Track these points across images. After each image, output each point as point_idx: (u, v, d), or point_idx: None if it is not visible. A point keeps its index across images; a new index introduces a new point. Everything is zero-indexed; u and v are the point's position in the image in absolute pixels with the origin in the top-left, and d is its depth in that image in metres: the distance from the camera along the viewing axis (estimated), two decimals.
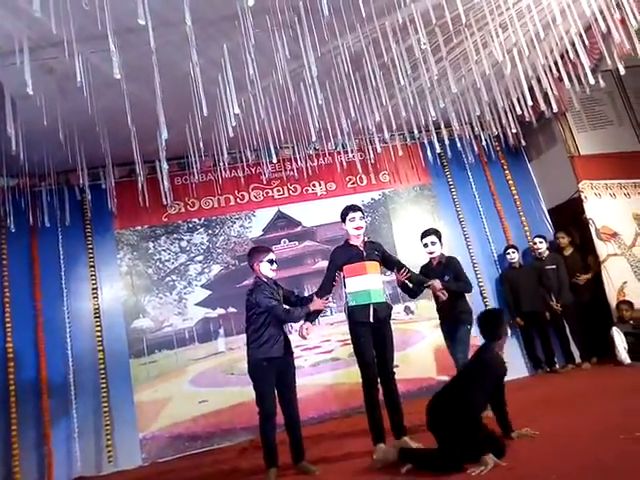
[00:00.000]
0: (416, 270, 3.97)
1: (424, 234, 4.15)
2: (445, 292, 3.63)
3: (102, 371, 5.05)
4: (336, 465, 3.25)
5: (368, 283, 3.43)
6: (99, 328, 5.18)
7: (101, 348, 5.12)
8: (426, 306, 5.79)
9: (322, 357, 5.04)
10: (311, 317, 3.44)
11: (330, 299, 3.52)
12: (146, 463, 4.84)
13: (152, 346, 5.30)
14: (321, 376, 5.15)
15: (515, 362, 5.43)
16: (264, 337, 3.33)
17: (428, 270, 4.05)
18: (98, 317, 5.22)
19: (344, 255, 3.56)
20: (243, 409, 4.74)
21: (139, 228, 5.66)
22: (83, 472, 4.73)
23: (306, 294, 3.83)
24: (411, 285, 3.70)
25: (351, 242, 3.59)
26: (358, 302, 3.42)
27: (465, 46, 4.24)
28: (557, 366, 5.42)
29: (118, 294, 5.43)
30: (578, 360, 5.42)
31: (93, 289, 5.31)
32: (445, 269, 4.08)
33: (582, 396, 3.04)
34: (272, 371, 3.31)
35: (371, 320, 3.36)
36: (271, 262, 3.48)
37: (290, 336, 3.50)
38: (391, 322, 3.51)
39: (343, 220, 3.62)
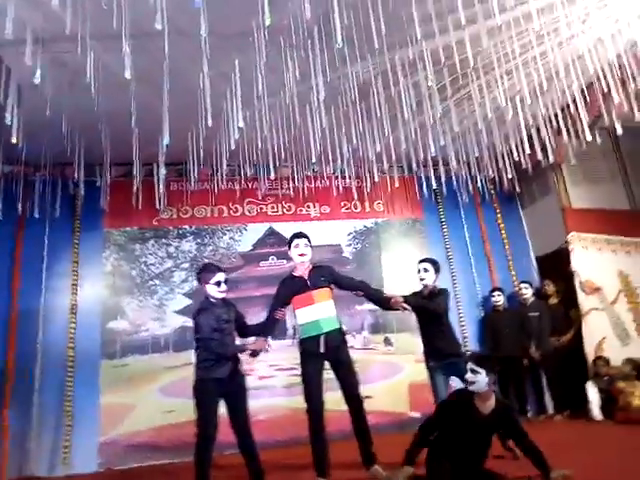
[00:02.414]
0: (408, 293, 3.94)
1: (420, 261, 4.04)
2: (407, 306, 3.51)
3: (70, 369, 4.92)
4: None
5: (317, 313, 3.39)
6: (73, 325, 5.09)
7: (72, 345, 5.01)
8: (406, 339, 5.78)
9: (296, 379, 4.95)
10: (253, 353, 3.36)
11: (269, 340, 3.48)
12: (101, 469, 4.68)
13: (126, 349, 5.20)
14: (293, 399, 5.06)
15: None
16: (210, 359, 3.24)
17: (418, 297, 3.97)
18: (74, 314, 5.13)
19: (287, 289, 3.53)
20: None
21: (128, 229, 5.62)
22: (34, 471, 4.56)
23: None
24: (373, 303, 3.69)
25: (295, 273, 3.56)
26: (308, 334, 3.39)
27: (470, 88, 4.34)
28: (529, 415, 5.39)
29: (98, 293, 5.35)
30: (551, 411, 5.40)
31: (73, 285, 5.22)
32: (434, 299, 3.98)
33: (553, 448, 3.04)
34: (216, 392, 3.20)
35: (321, 350, 3.32)
36: (218, 284, 3.37)
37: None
38: (347, 348, 3.46)
39: (289, 247, 3.61)
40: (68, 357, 4.95)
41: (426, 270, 3.91)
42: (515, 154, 4.78)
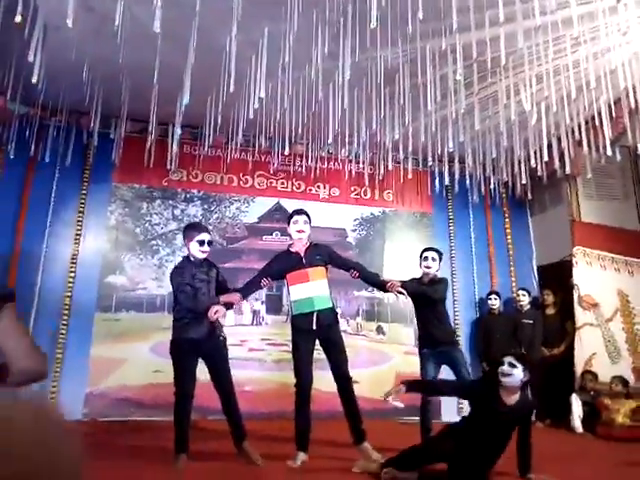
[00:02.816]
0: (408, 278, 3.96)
1: (427, 249, 4.01)
2: (403, 291, 3.48)
3: (65, 317, 4.98)
4: (275, 463, 3.22)
5: (311, 290, 3.40)
6: (72, 275, 5.12)
7: (69, 294, 5.05)
8: (398, 330, 5.82)
9: (287, 355, 5.00)
10: (226, 305, 3.32)
11: (243, 298, 3.48)
12: (85, 419, 4.75)
13: (121, 304, 5.24)
14: (281, 374, 5.12)
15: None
16: (186, 317, 3.27)
17: (417, 283, 3.93)
18: (74, 264, 5.16)
19: (282, 262, 3.52)
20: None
21: (137, 186, 5.61)
22: None
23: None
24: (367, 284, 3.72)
25: (292, 249, 3.55)
26: (301, 310, 3.40)
27: (497, 88, 4.28)
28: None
29: (100, 246, 5.37)
30: (532, 418, 5.44)
31: (77, 234, 5.24)
32: (434, 285, 3.94)
33: (533, 454, 3.09)
34: (193, 352, 3.25)
35: (313, 327, 3.33)
36: (201, 243, 3.36)
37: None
38: (339, 327, 3.49)
39: (288, 223, 3.61)
40: (64, 305, 5.00)
41: (434, 259, 3.89)
42: (532, 161, 4.74)
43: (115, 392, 4.92)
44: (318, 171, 5.92)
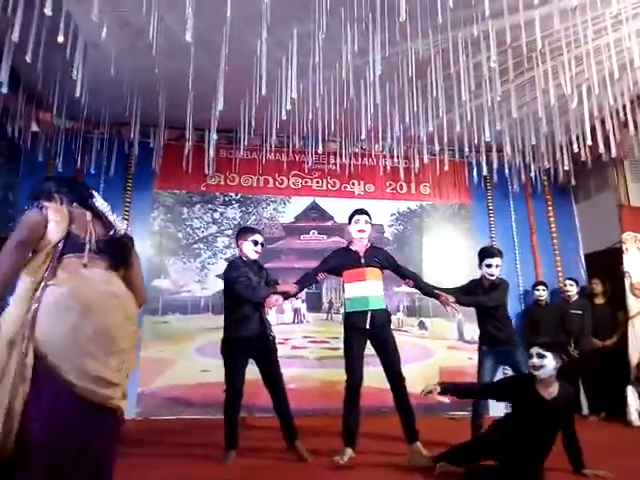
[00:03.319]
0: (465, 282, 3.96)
1: (491, 254, 3.84)
2: (456, 308, 3.52)
3: None
4: (323, 459, 3.25)
5: (366, 290, 3.41)
6: None
7: None
8: (441, 325, 5.75)
9: (328, 353, 5.07)
10: (284, 295, 3.36)
11: (298, 290, 3.49)
12: (139, 417, 4.96)
13: (167, 307, 5.41)
14: (323, 371, 5.18)
15: None
16: (238, 316, 3.33)
17: (477, 287, 3.86)
18: None
19: (340, 258, 3.54)
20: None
21: (177, 192, 5.78)
22: None
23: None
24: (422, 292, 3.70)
25: (351, 247, 3.57)
26: (355, 308, 3.41)
27: (534, 73, 4.15)
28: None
29: (145, 251, 5.55)
30: (585, 411, 5.27)
31: None
32: (494, 290, 3.83)
33: (585, 448, 2.98)
34: (244, 351, 3.31)
35: (367, 327, 3.34)
36: (255, 243, 3.46)
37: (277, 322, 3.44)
38: (391, 329, 3.48)
39: (349, 222, 3.62)
40: None
41: (497, 266, 3.78)
42: (575, 146, 4.56)
43: (165, 392, 5.10)
44: (352, 168, 5.91)
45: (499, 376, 3.79)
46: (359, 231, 3.54)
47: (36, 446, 1.59)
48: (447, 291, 3.63)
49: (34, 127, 5.12)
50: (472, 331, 5.23)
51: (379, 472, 3.04)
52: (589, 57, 3.73)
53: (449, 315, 5.61)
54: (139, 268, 2.13)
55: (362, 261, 3.47)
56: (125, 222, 2.24)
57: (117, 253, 1.97)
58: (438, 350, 5.65)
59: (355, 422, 3.31)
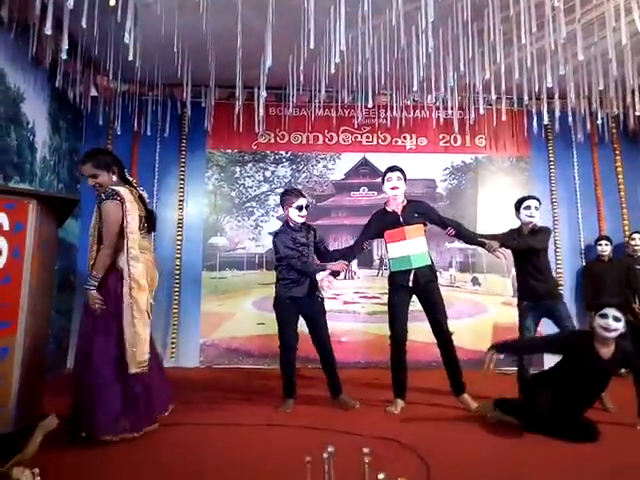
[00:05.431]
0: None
1: (529, 198, 3.79)
2: (503, 254, 3.41)
3: (177, 277, 5.49)
4: (374, 409, 3.39)
5: (408, 248, 3.41)
6: (180, 238, 5.59)
7: (179, 256, 5.54)
8: (495, 281, 5.65)
9: (379, 308, 5.11)
10: (332, 274, 3.43)
11: (356, 269, 3.54)
12: (202, 365, 5.32)
13: (223, 263, 5.65)
14: (375, 325, 5.26)
15: None
16: (289, 278, 3.46)
17: (517, 235, 3.76)
18: (181, 227, 5.62)
19: (380, 222, 3.54)
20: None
21: (229, 151, 5.87)
22: None
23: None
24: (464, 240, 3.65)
25: (388, 208, 3.54)
26: (398, 268, 3.44)
27: (604, 9, 3.79)
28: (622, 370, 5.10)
29: (201, 210, 5.77)
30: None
31: (180, 200, 5.68)
32: (537, 237, 3.71)
33: None
34: (294, 309, 3.46)
35: (410, 285, 3.37)
36: (300, 208, 3.50)
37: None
38: (437, 285, 3.48)
39: (382, 181, 3.58)
40: (175, 266, 5.51)
41: (536, 208, 3.69)
42: None
43: (225, 342, 5.40)
44: (404, 121, 5.75)
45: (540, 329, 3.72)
46: (392, 188, 3.51)
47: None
48: (487, 237, 3.57)
49: (93, 91, 5.33)
50: None
51: (429, 423, 3.12)
52: None
53: (504, 271, 5.50)
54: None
55: (401, 220, 3.46)
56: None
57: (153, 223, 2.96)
58: (491, 306, 5.58)
59: (403, 375, 3.42)
